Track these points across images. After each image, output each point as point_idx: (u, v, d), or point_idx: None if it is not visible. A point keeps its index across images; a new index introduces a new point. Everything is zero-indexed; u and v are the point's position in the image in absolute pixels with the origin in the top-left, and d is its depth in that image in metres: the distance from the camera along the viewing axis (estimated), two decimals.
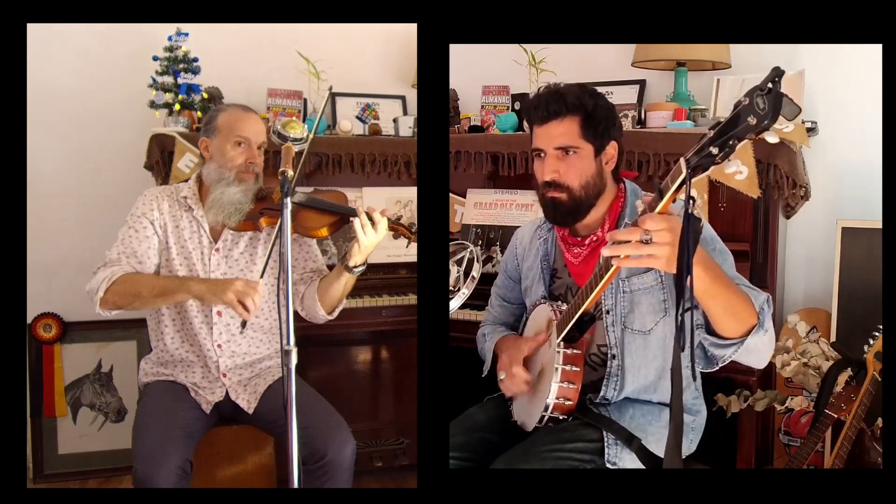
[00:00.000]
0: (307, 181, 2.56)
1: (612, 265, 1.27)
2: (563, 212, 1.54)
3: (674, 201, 1.12)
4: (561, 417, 1.53)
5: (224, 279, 1.85)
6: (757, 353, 1.32)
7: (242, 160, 1.88)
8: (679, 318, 1.09)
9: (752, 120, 0.97)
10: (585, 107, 1.51)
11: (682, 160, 1.06)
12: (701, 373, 1.63)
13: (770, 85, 0.96)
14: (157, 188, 2.01)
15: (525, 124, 2.57)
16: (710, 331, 1.32)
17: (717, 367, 1.38)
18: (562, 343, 1.50)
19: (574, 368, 1.49)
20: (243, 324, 1.76)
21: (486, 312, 1.94)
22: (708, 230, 1.49)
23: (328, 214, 1.88)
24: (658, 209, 1.13)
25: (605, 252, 1.19)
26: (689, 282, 1.07)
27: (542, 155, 1.54)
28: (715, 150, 1.01)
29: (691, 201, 1.05)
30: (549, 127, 1.52)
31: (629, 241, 1.14)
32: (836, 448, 1.84)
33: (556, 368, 1.48)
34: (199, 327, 1.92)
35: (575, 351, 1.50)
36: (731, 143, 1.00)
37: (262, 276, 1.82)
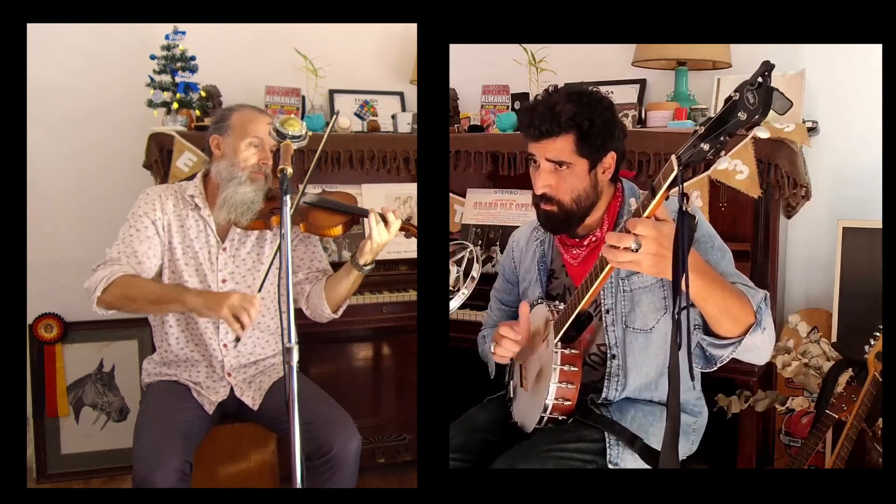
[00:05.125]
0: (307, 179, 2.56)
1: (605, 265, 1.27)
2: (556, 223, 1.56)
3: (667, 198, 1.11)
4: (560, 418, 1.53)
5: (220, 293, 1.85)
6: (756, 350, 1.32)
7: (256, 160, 1.90)
8: (675, 316, 1.09)
9: (742, 115, 0.96)
10: (580, 126, 1.46)
11: (673, 157, 1.05)
12: (701, 373, 1.63)
13: (760, 80, 0.95)
14: (160, 187, 2.01)
15: None
16: (707, 331, 1.31)
17: (716, 367, 1.37)
18: (559, 343, 1.50)
19: (572, 369, 1.49)
20: (237, 339, 1.79)
21: (485, 316, 1.94)
22: (706, 227, 1.49)
23: (340, 214, 1.92)
24: (651, 207, 1.12)
25: (603, 251, 1.20)
26: (684, 280, 1.07)
27: (536, 162, 1.54)
28: (706, 147, 1.00)
29: (685, 198, 1.04)
30: (543, 144, 1.50)
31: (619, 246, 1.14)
32: (836, 449, 1.83)
33: (555, 369, 1.48)
34: (205, 327, 1.92)
35: (573, 351, 1.50)
36: (722, 139, 0.99)
37: (259, 291, 1.83)
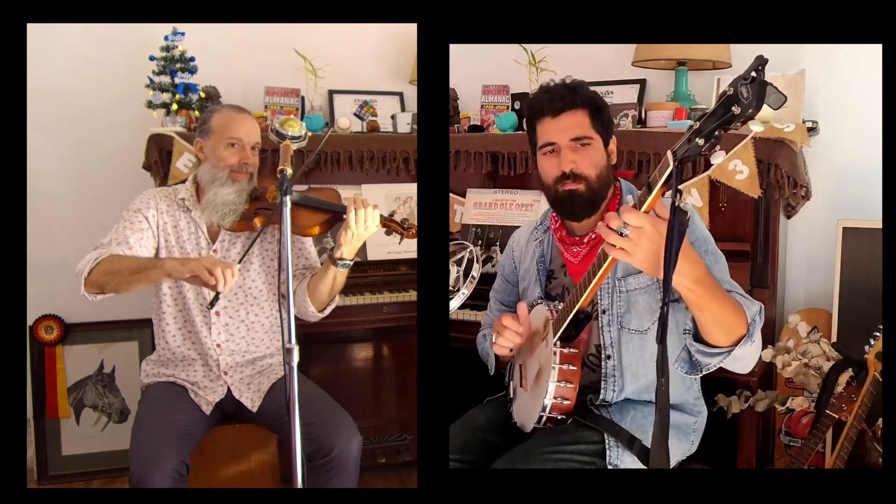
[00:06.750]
0: (306, 179, 2.56)
1: (604, 263, 1.27)
2: (581, 203, 1.54)
3: (663, 195, 1.12)
4: (560, 417, 1.52)
5: (197, 257, 1.84)
6: (743, 361, 1.31)
7: (235, 160, 1.89)
8: (662, 310, 1.08)
9: (736, 109, 0.96)
10: (595, 101, 1.57)
11: (668, 153, 1.05)
12: (695, 374, 1.64)
13: (754, 74, 0.96)
14: (155, 189, 2.02)
15: (524, 124, 2.60)
16: (697, 337, 1.30)
17: (701, 374, 1.36)
18: (558, 342, 1.49)
19: (571, 367, 1.49)
20: (213, 300, 1.68)
21: (484, 317, 1.94)
22: (701, 231, 1.49)
23: (320, 213, 1.88)
24: (648, 202, 1.12)
25: (598, 229, 1.21)
26: (671, 275, 1.07)
27: (554, 149, 1.56)
28: (701, 141, 1.00)
29: (678, 194, 1.04)
30: (563, 118, 1.55)
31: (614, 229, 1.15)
32: (836, 449, 1.83)
33: (553, 368, 1.48)
34: (200, 327, 1.93)
35: (572, 350, 1.50)
36: (717, 133, 0.99)
37: (239, 262, 1.77)
